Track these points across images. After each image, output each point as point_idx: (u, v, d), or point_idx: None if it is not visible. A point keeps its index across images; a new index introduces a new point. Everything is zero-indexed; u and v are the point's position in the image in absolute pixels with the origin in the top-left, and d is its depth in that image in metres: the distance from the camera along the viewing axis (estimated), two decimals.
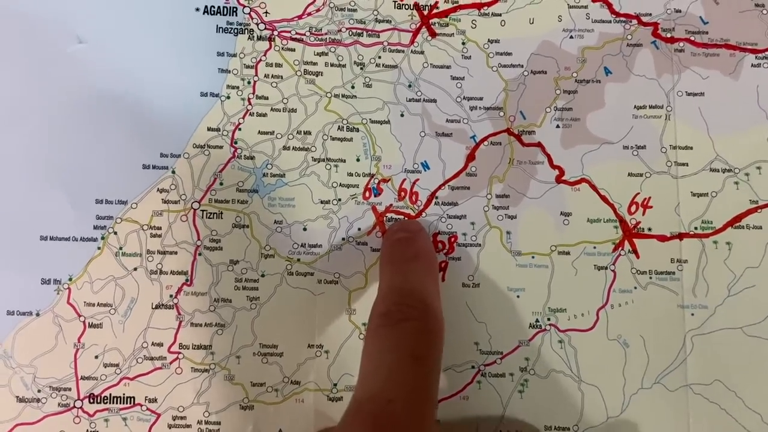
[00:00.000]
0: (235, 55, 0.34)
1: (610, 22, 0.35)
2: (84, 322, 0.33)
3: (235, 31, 0.35)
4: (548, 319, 0.33)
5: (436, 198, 0.34)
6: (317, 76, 0.35)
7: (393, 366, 0.28)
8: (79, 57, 0.34)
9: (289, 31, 0.35)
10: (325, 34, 0.35)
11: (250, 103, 0.34)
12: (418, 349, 0.28)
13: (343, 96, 0.35)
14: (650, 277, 0.34)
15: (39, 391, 0.32)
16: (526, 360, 0.33)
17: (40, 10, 0.34)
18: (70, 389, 0.32)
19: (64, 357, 0.32)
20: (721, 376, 0.33)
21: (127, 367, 0.32)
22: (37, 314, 0.32)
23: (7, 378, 0.32)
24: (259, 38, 0.35)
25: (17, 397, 0.32)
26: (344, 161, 0.34)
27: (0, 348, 0.32)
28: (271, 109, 0.34)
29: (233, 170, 0.34)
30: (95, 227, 0.33)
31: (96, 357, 0.32)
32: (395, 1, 0.35)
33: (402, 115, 0.35)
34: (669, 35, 0.35)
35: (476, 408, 0.33)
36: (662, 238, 0.34)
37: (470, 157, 0.35)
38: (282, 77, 0.34)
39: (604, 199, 0.34)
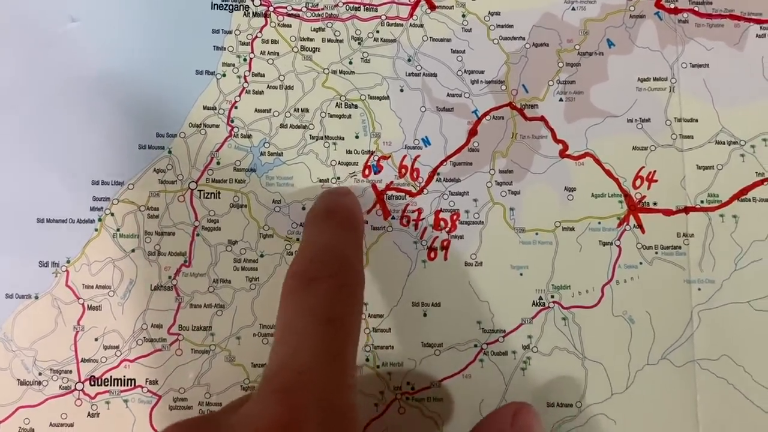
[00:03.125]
0: (230, 32, 0.36)
1: None
2: (83, 304, 0.34)
3: (231, 7, 0.36)
4: (552, 297, 0.35)
5: (438, 174, 0.36)
6: (314, 52, 0.36)
7: (304, 332, 0.28)
8: (72, 36, 0.36)
9: (285, 7, 0.36)
10: (322, 9, 0.36)
11: (246, 81, 0.36)
12: (333, 310, 0.28)
13: (340, 72, 0.36)
14: (656, 252, 0.35)
15: (40, 373, 0.34)
16: (528, 338, 0.35)
17: None
18: (70, 372, 0.34)
19: (64, 339, 0.34)
20: (728, 351, 0.35)
21: (127, 349, 0.34)
22: (36, 297, 0.34)
23: (8, 361, 0.34)
24: (255, 14, 0.36)
25: (18, 380, 0.34)
26: (343, 139, 0.36)
27: (0, 331, 0.34)
28: (268, 87, 0.36)
29: (230, 149, 0.35)
30: (92, 209, 0.35)
31: (96, 339, 0.34)
32: None
33: (402, 91, 0.36)
34: (672, 6, 0.37)
35: (479, 386, 0.35)
36: (668, 213, 0.36)
37: (472, 132, 0.36)
38: (278, 54, 0.36)
39: (608, 173, 0.36)
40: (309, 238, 0.33)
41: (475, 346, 0.35)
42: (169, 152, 0.35)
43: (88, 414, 0.34)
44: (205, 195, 0.35)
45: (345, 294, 0.29)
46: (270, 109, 0.36)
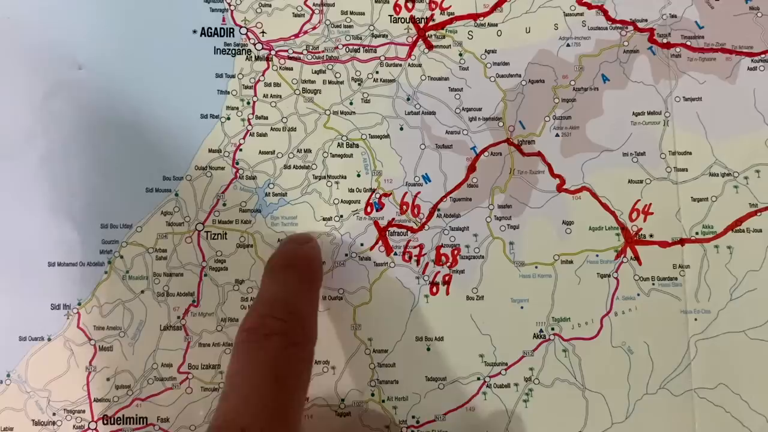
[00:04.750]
0: (233, 76, 0.38)
1: (606, 28, 0.38)
2: (95, 345, 0.36)
3: (233, 52, 0.38)
4: (552, 329, 0.37)
5: (439, 210, 0.37)
6: (315, 94, 0.38)
7: (250, 389, 0.29)
8: (79, 83, 0.37)
9: (287, 50, 0.38)
10: (322, 51, 0.38)
11: (250, 124, 0.37)
12: (281, 368, 0.29)
13: (341, 113, 0.38)
14: (653, 284, 0.37)
15: (54, 414, 0.35)
16: (530, 370, 0.36)
17: (39, 38, 0.37)
18: (84, 411, 0.36)
19: (76, 380, 0.36)
20: (725, 379, 0.36)
21: (139, 388, 0.36)
22: (49, 339, 0.36)
23: (23, 402, 0.35)
24: (257, 58, 0.38)
25: (33, 420, 0.35)
26: (345, 177, 0.37)
27: (14, 373, 0.35)
28: (271, 129, 0.37)
29: (235, 191, 0.37)
30: (101, 252, 0.36)
31: (108, 379, 0.36)
32: (391, 16, 0.38)
33: (401, 129, 0.38)
34: (665, 41, 0.38)
35: (482, 418, 0.36)
36: (664, 244, 0.37)
37: (471, 169, 0.38)
38: (281, 96, 0.38)
39: (605, 206, 0.37)
40: (264, 290, 0.34)
41: (478, 379, 0.36)
42: (176, 195, 0.37)
43: None
44: (212, 236, 0.37)
45: (294, 352, 0.30)
46: (274, 151, 0.37)
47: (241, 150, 0.37)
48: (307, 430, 0.36)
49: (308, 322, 0.32)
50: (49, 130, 0.37)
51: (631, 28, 0.39)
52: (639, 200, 0.37)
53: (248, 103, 0.37)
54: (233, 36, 0.38)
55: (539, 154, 0.38)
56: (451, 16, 0.39)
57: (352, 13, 0.38)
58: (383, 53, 0.38)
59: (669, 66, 0.38)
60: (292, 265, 0.34)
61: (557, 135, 0.38)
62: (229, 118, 0.37)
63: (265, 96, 0.38)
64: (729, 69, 0.38)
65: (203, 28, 0.38)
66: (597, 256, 0.37)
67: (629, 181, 0.38)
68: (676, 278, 0.37)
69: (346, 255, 0.37)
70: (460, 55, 0.38)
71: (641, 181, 0.37)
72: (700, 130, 0.38)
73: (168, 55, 0.37)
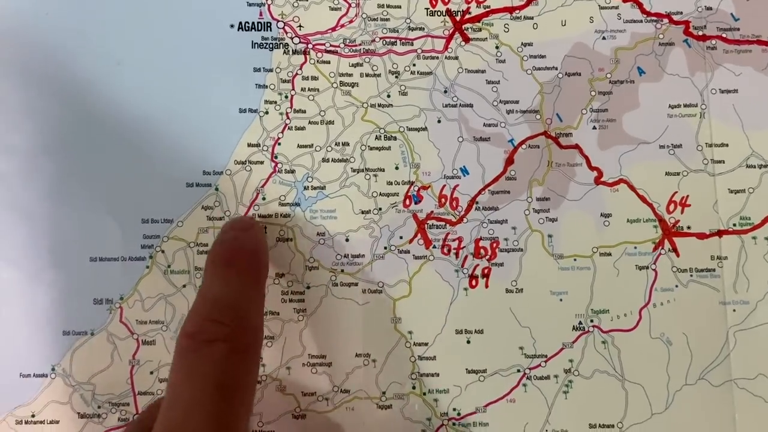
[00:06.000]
0: (271, 70, 0.38)
1: (641, 21, 0.39)
2: (137, 339, 0.36)
3: (271, 46, 0.38)
4: (591, 321, 0.37)
5: (477, 203, 0.38)
6: (353, 87, 0.38)
7: (195, 399, 0.28)
8: (117, 79, 0.37)
9: (324, 44, 0.38)
10: (359, 45, 0.38)
11: (288, 117, 0.38)
12: (226, 377, 0.29)
13: (379, 105, 0.38)
14: (691, 275, 0.37)
15: (99, 407, 0.36)
16: (570, 362, 0.37)
17: (76, 35, 0.38)
18: (128, 404, 0.36)
19: (120, 374, 0.36)
20: (765, 370, 0.37)
21: None
22: (92, 333, 0.36)
23: (68, 395, 0.36)
24: (295, 52, 0.38)
25: (78, 413, 0.36)
26: (383, 170, 0.38)
27: (59, 367, 0.36)
28: (309, 122, 0.38)
29: (275, 185, 0.37)
30: (143, 246, 0.37)
31: (151, 373, 0.36)
32: (427, 9, 0.39)
33: (439, 122, 0.38)
34: (700, 33, 0.39)
35: (522, 410, 0.37)
36: (701, 236, 0.38)
37: (509, 161, 0.38)
38: (318, 90, 0.38)
39: (642, 199, 0.38)
40: (206, 288, 0.32)
41: (518, 371, 0.37)
42: (216, 189, 0.37)
43: None
44: None
45: (239, 359, 0.30)
46: (312, 144, 0.38)
47: (279, 144, 0.38)
48: (348, 422, 0.37)
49: (253, 324, 0.31)
50: (88, 125, 0.37)
51: (666, 20, 0.39)
52: (676, 192, 0.38)
53: (286, 96, 0.38)
54: (270, 30, 0.38)
55: (577, 146, 0.38)
56: (487, 9, 0.39)
57: (388, 6, 0.39)
58: (420, 46, 0.39)
59: (705, 58, 0.39)
60: (236, 259, 0.33)
61: (594, 127, 0.38)
62: (267, 112, 0.38)
63: (302, 90, 0.38)
64: (765, 61, 0.39)
65: (240, 23, 0.38)
66: (635, 248, 0.38)
67: (666, 174, 0.38)
68: (714, 269, 0.37)
69: (386, 248, 0.37)
70: (497, 47, 0.39)
71: (678, 173, 0.38)
72: (737, 121, 0.38)
73: (206, 50, 0.38)
